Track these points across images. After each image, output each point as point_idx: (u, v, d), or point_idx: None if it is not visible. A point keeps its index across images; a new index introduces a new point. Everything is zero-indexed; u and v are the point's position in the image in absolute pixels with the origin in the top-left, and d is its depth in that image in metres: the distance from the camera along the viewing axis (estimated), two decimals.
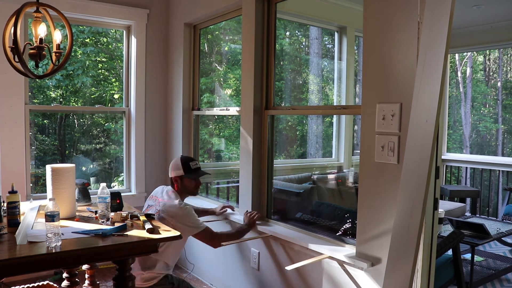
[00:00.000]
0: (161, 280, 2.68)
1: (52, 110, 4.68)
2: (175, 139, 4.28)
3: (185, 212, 2.70)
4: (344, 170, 4.85)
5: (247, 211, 3.21)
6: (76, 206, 2.62)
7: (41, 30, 2.41)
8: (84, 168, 4.85)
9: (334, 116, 4.95)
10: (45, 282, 2.88)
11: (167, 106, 4.43)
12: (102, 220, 2.38)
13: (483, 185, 6.24)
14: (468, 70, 11.46)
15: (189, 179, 2.86)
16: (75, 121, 5.25)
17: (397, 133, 2.12)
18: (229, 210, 3.46)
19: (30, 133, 3.89)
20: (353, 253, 2.40)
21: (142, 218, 2.40)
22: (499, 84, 11.57)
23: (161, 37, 4.37)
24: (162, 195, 2.84)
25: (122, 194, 2.72)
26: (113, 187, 4.74)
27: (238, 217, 3.33)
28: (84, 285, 2.96)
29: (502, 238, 4.19)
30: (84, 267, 2.95)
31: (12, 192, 2.24)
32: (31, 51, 2.39)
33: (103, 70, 5.17)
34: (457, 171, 7.99)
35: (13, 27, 2.30)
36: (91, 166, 4.92)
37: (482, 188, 6.07)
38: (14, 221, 2.20)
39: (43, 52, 2.41)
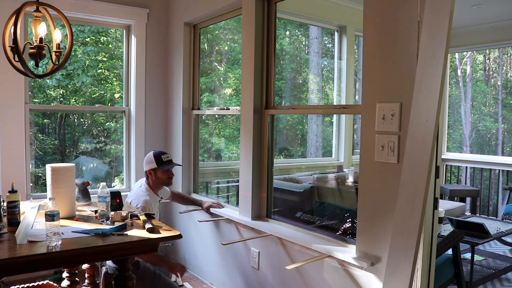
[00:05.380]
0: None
1: (52, 110, 4.68)
2: (175, 139, 4.28)
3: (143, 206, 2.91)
4: (344, 170, 4.85)
5: (212, 203, 3.61)
6: (76, 206, 2.62)
7: (41, 30, 2.40)
8: (84, 168, 4.85)
9: (334, 115, 4.96)
10: (45, 282, 2.88)
11: (167, 105, 4.43)
12: (102, 220, 2.38)
13: (483, 185, 6.23)
14: (468, 69, 11.46)
15: (162, 171, 3.05)
16: (75, 120, 5.25)
17: (397, 132, 2.12)
18: (215, 209, 3.59)
19: (30, 133, 3.89)
20: (353, 253, 2.40)
21: (142, 217, 2.40)
22: (499, 83, 11.56)
23: (161, 37, 4.37)
24: (139, 187, 3.08)
25: (122, 193, 2.72)
26: (114, 186, 4.74)
27: (235, 215, 3.34)
28: (84, 284, 2.96)
29: (502, 238, 4.19)
30: (84, 266, 2.95)
31: (12, 191, 2.24)
32: (31, 50, 2.39)
33: (103, 70, 5.17)
34: (457, 170, 7.99)
35: (13, 27, 2.30)
36: (91, 165, 4.92)
37: (482, 188, 6.07)
38: (14, 221, 2.20)
39: (43, 52, 2.41)
